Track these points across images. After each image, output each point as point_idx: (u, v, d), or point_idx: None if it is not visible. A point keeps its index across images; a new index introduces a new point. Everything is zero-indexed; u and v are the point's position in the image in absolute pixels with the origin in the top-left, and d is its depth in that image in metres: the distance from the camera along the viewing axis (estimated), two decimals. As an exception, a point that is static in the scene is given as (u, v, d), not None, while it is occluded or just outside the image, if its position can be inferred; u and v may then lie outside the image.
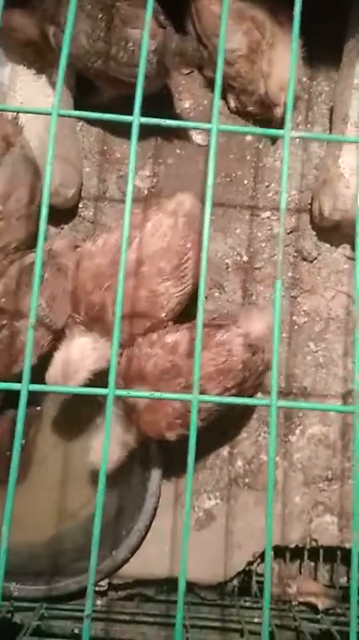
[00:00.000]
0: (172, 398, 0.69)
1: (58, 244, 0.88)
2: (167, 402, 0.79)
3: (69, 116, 0.59)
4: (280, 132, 0.58)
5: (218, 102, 0.56)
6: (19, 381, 0.52)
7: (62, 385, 0.81)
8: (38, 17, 0.93)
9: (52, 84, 0.99)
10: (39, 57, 1.01)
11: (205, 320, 0.88)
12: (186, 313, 0.91)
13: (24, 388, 0.50)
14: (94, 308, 0.83)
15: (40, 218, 0.54)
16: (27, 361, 0.50)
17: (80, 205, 1.06)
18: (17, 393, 0.88)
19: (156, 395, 0.56)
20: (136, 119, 0.55)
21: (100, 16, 0.88)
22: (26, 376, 0.50)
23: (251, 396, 0.93)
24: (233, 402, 0.62)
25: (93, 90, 1.00)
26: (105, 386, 0.55)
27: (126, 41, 0.88)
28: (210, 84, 1.10)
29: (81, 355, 0.82)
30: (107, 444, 0.51)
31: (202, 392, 0.78)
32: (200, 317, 0.52)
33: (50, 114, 0.54)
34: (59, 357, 0.83)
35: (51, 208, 1.00)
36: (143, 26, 0.89)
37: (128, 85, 0.78)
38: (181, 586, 0.49)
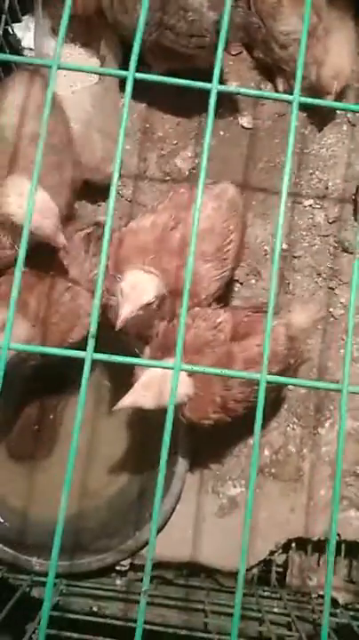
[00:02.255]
0: (240, 376, 0.67)
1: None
2: (215, 385, 0.77)
3: (69, 69, 0.57)
4: (289, 97, 0.55)
5: (220, 63, 0.53)
6: (80, 349, 0.51)
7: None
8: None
9: (98, 58, 0.98)
10: (86, 31, 0.99)
11: (251, 306, 0.87)
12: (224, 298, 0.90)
13: (88, 356, 0.49)
14: None
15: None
16: (93, 328, 0.49)
17: (119, 183, 1.05)
18: (49, 368, 0.90)
19: (224, 372, 0.55)
20: (130, 74, 0.53)
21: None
22: (90, 345, 0.49)
23: (281, 390, 0.92)
24: (300, 384, 0.60)
25: (142, 65, 0.98)
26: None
27: (185, 10, 0.86)
28: (258, 66, 1.07)
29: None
30: (80, 411, 0.50)
31: (251, 369, 0.78)
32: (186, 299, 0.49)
33: (50, 66, 0.52)
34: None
35: (90, 184, 1.01)
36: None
37: (181, 58, 0.77)
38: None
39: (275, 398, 1.01)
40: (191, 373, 0.77)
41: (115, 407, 0.77)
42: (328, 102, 0.69)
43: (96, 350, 0.51)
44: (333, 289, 1.04)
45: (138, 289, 0.76)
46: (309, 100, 0.57)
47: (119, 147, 0.52)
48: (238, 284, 1.04)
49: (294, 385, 0.81)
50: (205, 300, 0.86)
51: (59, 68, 0.52)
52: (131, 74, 0.52)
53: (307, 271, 1.04)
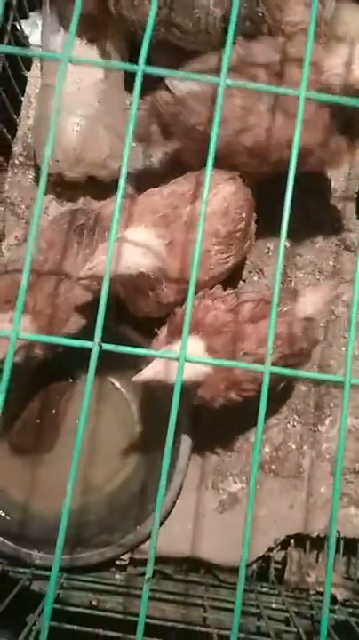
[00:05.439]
0: (243, 367, 0.67)
1: (104, 210, 0.87)
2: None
3: (78, 62, 0.57)
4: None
5: (228, 56, 0.54)
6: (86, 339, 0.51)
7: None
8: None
9: (105, 54, 0.98)
10: (92, 27, 1.00)
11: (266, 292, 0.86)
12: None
13: (95, 345, 0.49)
14: None
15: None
16: (100, 319, 0.50)
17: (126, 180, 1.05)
18: (51, 363, 0.90)
19: (228, 363, 0.55)
20: (140, 68, 0.53)
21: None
22: (98, 333, 0.49)
23: (291, 381, 0.92)
24: (304, 375, 0.60)
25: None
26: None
27: (192, 7, 0.87)
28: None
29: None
30: (87, 401, 0.50)
31: (258, 357, 0.78)
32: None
33: (60, 60, 0.53)
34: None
35: (96, 181, 1.02)
36: None
37: (187, 56, 0.78)
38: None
39: (284, 389, 1.01)
40: (209, 351, 0.76)
41: (134, 378, 0.76)
42: (335, 98, 0.69)
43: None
44: (335, 287, 1.04)
45: (137, 249, 0.75)
46: (315, 95, 0.57)
47: (128, 141, 0.52)
48: (241, 282, 1.05)
49: (298, 377, 0.81)
50: (210, 282, 0.86)
51: (69, 62, 0.53)
52: (140, 68, 0.52)
53: (309, 268, 1.05)
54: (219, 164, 0.86)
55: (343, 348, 1.04)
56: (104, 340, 0.54)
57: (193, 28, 0.88)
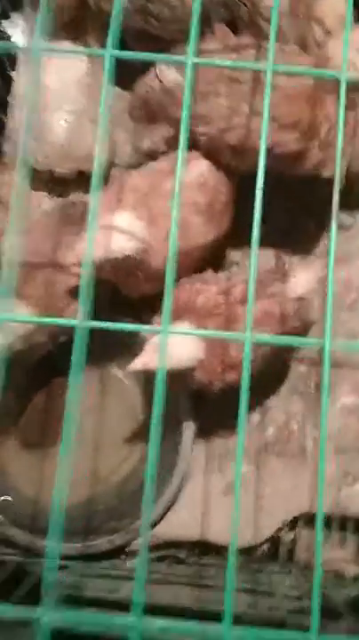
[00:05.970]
0: (225, 337, 0.68)
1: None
2: (227, 345, 0.79)
3: (50, 51, 0.58)
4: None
5: (195, 34, 0.55)
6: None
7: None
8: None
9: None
10: (73, 23, 1.01)
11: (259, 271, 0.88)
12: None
13: (80, 323, 0.50)
14: None
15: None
16: (82, 297, 0.51)
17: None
18: (55, 357, 0.92)
19: (207, 332, 0.56)
20: (108, 52, 0.54)
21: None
22: (82, 313, 0.51)
23: (286, 358, 0.94)
24: (286, 342, 0.61)
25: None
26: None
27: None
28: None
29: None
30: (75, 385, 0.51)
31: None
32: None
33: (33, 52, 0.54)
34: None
35: (84, 174, 1.03)
36: None
37: (165, 43, 0.79)
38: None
39: (281, 369, 1.02)
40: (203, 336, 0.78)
41: (128, 368, 0.78)
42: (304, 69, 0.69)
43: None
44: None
45: (121, 234, 0.77)
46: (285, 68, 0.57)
47: (102, 129, 0.53)
48: (235, 266, 1.06)
49: (278, 344, 0.82)
50: (194, 253, 0.88)
51: (41, 52, 0.54)
52: (108, 52, 0.53)
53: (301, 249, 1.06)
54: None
55: (339, 327, 1.04)
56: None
57: (169, 17, 0.89)
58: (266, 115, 0.53)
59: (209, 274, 0.87)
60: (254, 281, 0.52)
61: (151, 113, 0.91)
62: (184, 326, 0.78)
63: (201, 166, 0.89)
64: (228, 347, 0.79)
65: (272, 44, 0.54)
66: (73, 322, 0.50)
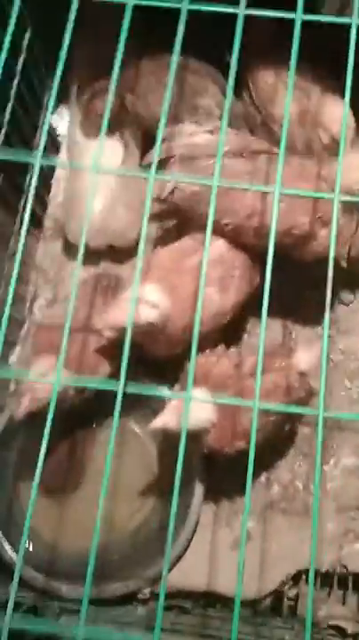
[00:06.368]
0: (234, 403, 0.76)
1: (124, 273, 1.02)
2: (240, 416, 0.87)
3: (104, 172, 0.71)
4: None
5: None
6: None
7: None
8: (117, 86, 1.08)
9: (122, 144, 1.14)
10: (113, 121, 1.16)
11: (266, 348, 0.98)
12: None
13: (120, 387, 0.60)
14: None
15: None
16: (124, 364, 0.61)
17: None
18: (79, 409, 1.01)
19: (223, 400, 0.65)
20: (151, 175, 0.67)
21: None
22: (122, 376, 0.60)
23: (294, 423, 1.03)
24: (289, 411, 0.70)
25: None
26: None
27: (197, 109, 1.04)
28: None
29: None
30: (112, 444, 0.59)
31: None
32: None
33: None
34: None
35: (115, 249, 1.16)
36: (211, 95, 1.06)
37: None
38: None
39: (289, 433, 1.10)
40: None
41: (150, 425, 0.87)
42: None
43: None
44: (332, 336, 1.15)
45: (146, 304, 0.88)
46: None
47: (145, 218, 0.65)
48: (246, 334, 1.16)
49: (280, 412, 0.91)
50: (212, 333, 0.98)
51: (96, 172, 0.67)
52: (152, 175, 0.66)
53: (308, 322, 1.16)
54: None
55: (342, 393, 1.13)
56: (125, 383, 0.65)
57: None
58: (273, 227, 0.64)
59: (222, 350, 0.97)
60: (262, 359, 0.62)
61: (182, 220, 1.05)
62: (200, 393, 0.87)
63: (217, 243, 1.00)
64: (239, 416, 0.88)
65: (279, 172, 0.66)
66: (114, 385, 0.60)
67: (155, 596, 1.05)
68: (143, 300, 0.88)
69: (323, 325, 0.64)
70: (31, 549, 1.05)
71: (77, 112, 1.16)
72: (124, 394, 0.64)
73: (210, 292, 0.98)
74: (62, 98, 1.22)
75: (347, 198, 0.69)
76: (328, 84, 1.08)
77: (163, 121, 0.70)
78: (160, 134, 0.68)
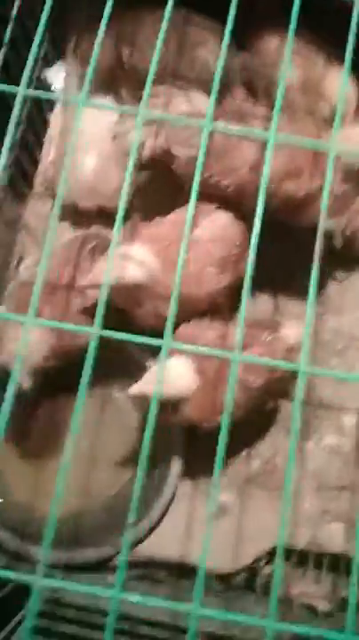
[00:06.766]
0: (214, 354, 0.74)
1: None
2: (220, 388, 0.86)
3: (90, 105, 0.67)
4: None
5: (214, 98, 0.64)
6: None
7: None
8: (114, 39, 1.05)
9: (120, 100, 1.11)
10: (109, 77, 1.12)
11: (251, 321, 0.94)
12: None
13: (95, 331, 0.58)
14: None
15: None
16: (100, 308, 0.58)
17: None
18: (59, 374, 0.99)
19: (197, 349, 0.63)
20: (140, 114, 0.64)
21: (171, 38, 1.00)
22: (98, 320, 0.58)
23: (278, 397, 1.01)
24: (268, 363, 0.69)
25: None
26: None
27: (195, 61, 1.01)
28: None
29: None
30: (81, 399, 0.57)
31: (244, 380, 0.88)
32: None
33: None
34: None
35: (107, 211, 1.12)
36: (210, 48, 1.02)
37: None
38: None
39: (272, 409, 1.09)
40: (200, 373, 0.86)
41: (129, 391, 0.85)
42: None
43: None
44: (322, 314, 1.13)
45: (134, 263, 0.85)
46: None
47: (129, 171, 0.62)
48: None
49: (262, 364, 0.88)
50: (204, 299, 0.96)
51: (83, 105, 0.64)
52: (140, 113, 0.63)
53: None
54: (227, 206, 0.98)
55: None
56: (103, 347, 0.63)
57: (196, 77, 1.01)
58: (264, 182, 0.62)
59: (207, 322, 0.95)
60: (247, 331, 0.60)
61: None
62: (183, 360, 0.85)
63: (220, 219, 0.97)
64: (221, 390, 0.87)
65: (276, 116, 0.63)
66: (89, 329, 0.58)
67: (128, 564, 1.04)
68: (129, 258, 0.85)
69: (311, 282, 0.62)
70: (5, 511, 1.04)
71: (74, 64, 1.12)
72: (107, 358, 0.61)
73: (210, 271, 0.96)
74: (59, 53, 1.18)
75: (344, 149, 0.66)
76: (333, 54, 1.06)
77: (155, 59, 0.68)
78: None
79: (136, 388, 0.85)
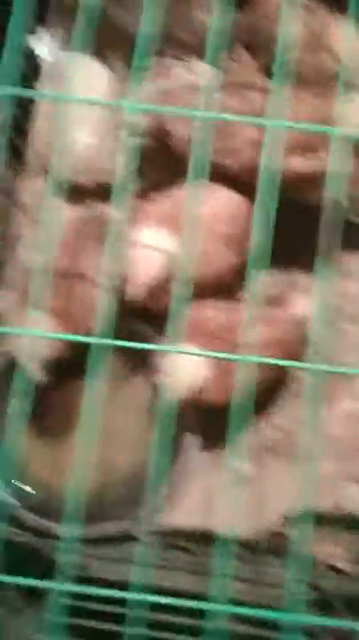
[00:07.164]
0: (221, 358, 0.74)
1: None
2: (233, 366, 0.84)
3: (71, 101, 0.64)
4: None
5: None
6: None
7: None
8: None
9: (109, 65, 1.07)
10: (96, 41, 1.07)
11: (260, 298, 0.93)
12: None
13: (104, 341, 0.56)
14: None
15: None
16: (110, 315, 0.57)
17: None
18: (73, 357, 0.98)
19: (203, 353, 0.62)
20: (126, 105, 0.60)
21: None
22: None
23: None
24: (278, 363, 0.73)
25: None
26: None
27: (190, 22, 0.97)
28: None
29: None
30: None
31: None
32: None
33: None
34: None
35: (104, 186, 1.09)
36: (206, 8, 0.96)
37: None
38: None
39: (276, 379, 1.07)
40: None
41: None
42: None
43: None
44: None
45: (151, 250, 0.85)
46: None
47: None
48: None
49: (274, 365, 0.88)
50: (211, 278, 0.94)
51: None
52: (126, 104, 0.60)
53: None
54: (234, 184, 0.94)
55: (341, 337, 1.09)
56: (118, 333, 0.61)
57: (191, 41, 0.97)
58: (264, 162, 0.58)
59: (217, 303, 0.93)
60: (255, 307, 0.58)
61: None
62: (192, 348, 0.85)
63: (225, 196, 0.95)
64: (235, 372, 0.84)
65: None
66: (90, 339, 0.57)
67: (150, 534, 1.06)
68: (148, 246, 0.84)
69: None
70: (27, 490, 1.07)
71: (59, 26, 1.07)
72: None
73: (216, 248, 0.94)
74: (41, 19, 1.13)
75: (347, 131, 0.62)
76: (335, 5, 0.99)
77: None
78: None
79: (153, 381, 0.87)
